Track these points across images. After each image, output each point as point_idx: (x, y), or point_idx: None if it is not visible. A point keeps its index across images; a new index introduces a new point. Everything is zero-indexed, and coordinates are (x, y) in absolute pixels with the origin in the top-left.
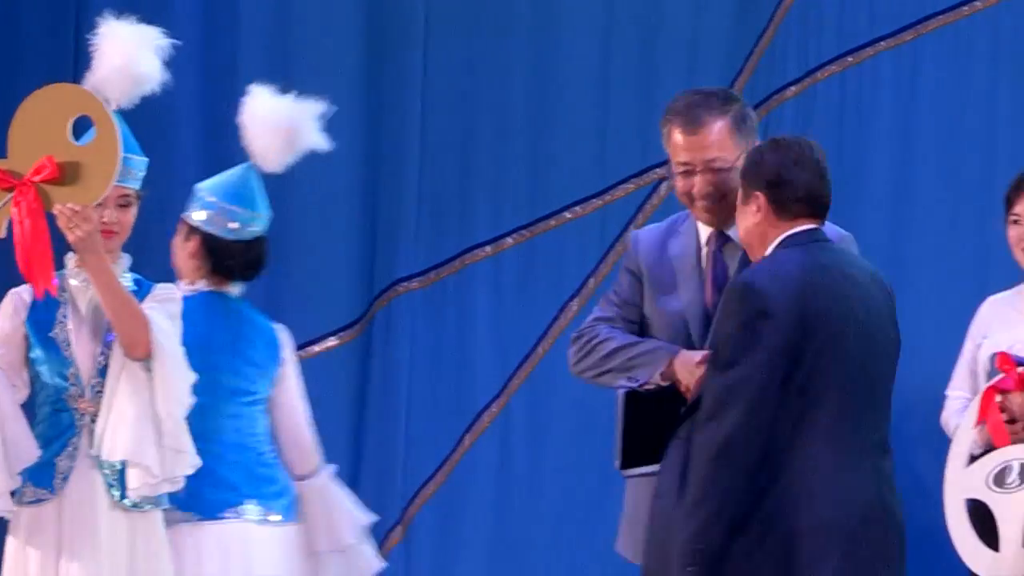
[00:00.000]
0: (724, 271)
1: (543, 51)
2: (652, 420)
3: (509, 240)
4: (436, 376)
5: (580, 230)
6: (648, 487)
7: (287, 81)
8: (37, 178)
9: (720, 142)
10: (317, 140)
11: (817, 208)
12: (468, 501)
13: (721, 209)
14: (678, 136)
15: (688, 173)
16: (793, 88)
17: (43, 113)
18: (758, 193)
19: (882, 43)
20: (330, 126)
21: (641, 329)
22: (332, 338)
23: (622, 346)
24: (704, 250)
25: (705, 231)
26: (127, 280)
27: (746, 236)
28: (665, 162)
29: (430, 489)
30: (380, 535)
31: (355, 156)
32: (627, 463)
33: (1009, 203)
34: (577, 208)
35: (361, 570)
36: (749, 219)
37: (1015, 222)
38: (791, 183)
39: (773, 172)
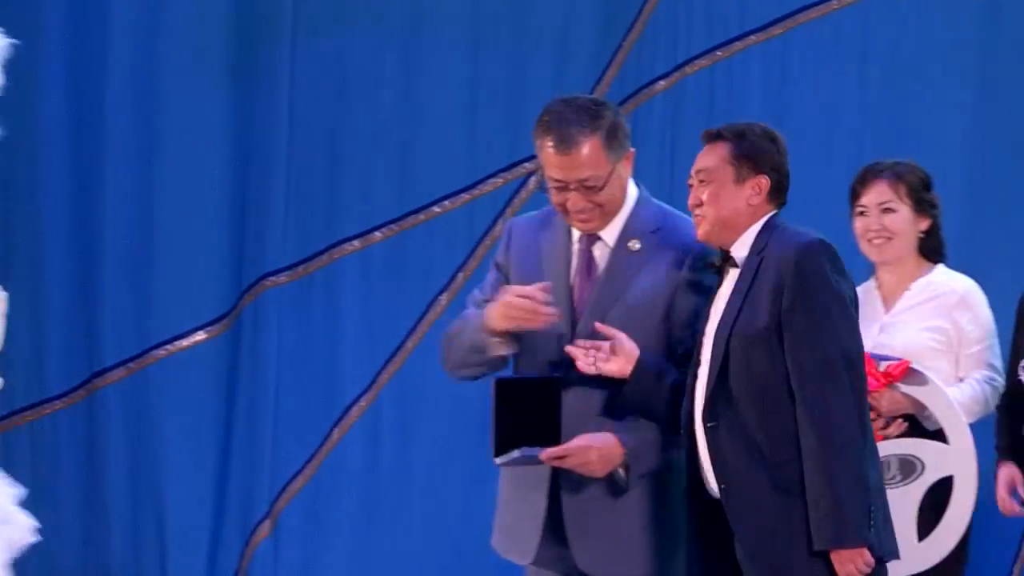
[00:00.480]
0: (593, 269)
1: (412, 44)
2: (524, 408)
3: (378, 234)
4: (304, 370)
5: (449, 224)
6: (523, 481)
7: (155, 74)
8: None
9: (592, 161)
10: None
11: (784, 192)
12: (337, 495)
13: (595, 218)
14: (550, 153)
15: (561, 189)
16: (662, 82)
17: None
18: (762, 177)
19: (751, 37)
20: (198, 119)
21: None
22: (200, 332)
23: (459, 330)
24: (575, 247)
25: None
26: None
27: (732, 215)
28: (534, 156)
29: (298, 483)
30: (248, 530)
31: (223, 149)
32: (499, 451)
33: (855, 195)
34: (446, 202)
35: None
36: (741, 200)
37: (861, 214)
38: (786, 171)
39: (777, 160)
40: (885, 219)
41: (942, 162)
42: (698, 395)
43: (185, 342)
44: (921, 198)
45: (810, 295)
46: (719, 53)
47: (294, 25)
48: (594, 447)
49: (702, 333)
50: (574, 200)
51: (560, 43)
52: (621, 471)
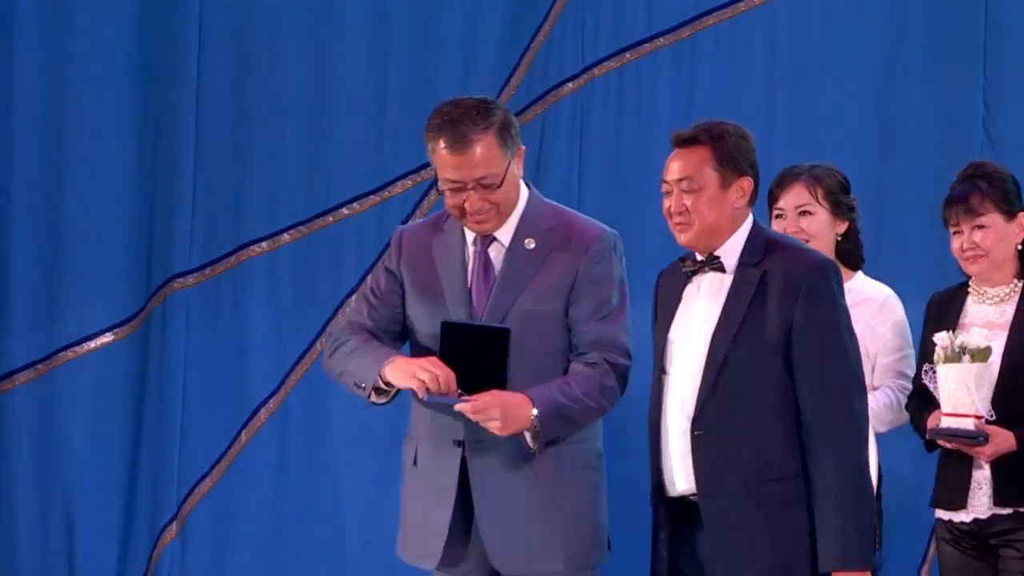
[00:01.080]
0: (490, 267)
1: (320, 45)
2: (471, 355)
3: (286, 236)
4: (213, 372)
5: (358, 226)
6: (427, 491)
7: (62, 77)
8: None
9: (488, 159)
10: None
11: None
12: (245, 497)
13: (492, 219)
14: (444, 154)
15: (458, 190)
16: (571, 84)
17: None
18: (746, 178)
19: (660, 39)
20: (105, 120)
21: (403, 329)
22: (108, 334)
23: (356, 350)
24: (470, 250)
25: (471, 232)
26: None
27: (720, 221)
28: None
29: (206, 485)
30: (156, 531)
31: (130, 151)
32: (430, 392)
33: (772, 197)
34: (355, 204)
35: None
36: (728, 205)
37: (779, 216)
38: (758, 169)
39: (753, 157)
40: (802, 222)
41: (850, 164)
42: (672, 401)
43: (93, 344)
44: (839, 201)
45: (826, 316)
46: (628, 55)
47: (201, 27)
48: (501, 405)
49: (665, 333)
50: (472, 201)
51: (467, 45)
52: (527, 435)
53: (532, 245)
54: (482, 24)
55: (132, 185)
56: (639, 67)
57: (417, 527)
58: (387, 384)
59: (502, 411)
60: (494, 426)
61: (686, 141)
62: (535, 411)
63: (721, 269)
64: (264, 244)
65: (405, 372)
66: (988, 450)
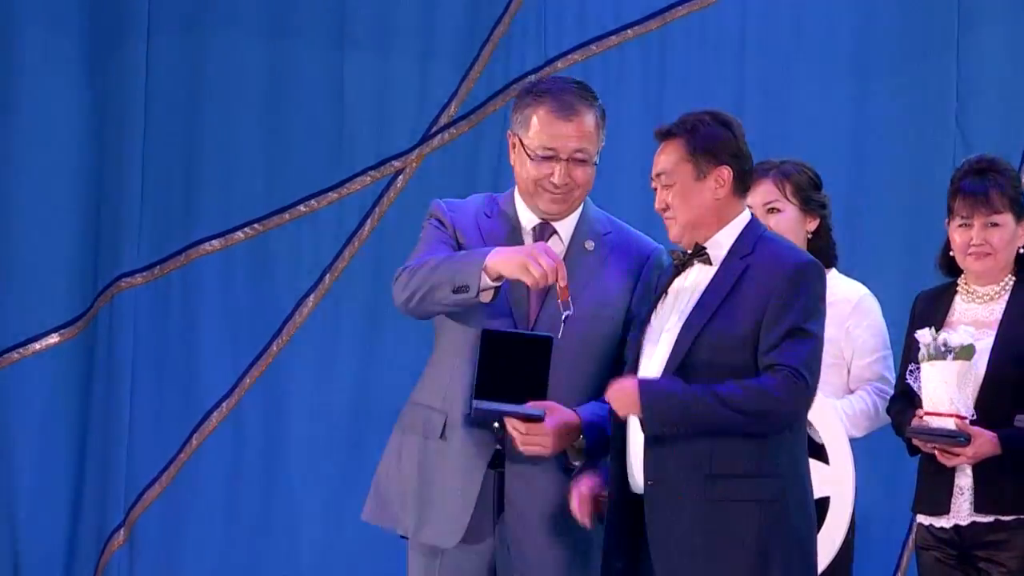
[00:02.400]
0: None
1: (275, 38)
2: (511, 363)
3: (240, 234)
4: (162, 374)
5: (315, 224)
6: (455, 466)
7: (9, 73)
8: None
9: (589, 134)
10: None
11: (747, 180)
12: (195, 504)
13: (570, 200)
14: (548, 119)
15: (550, 159)
16: (532, 77)
17: None
18: (724, 167)
19: (628, 31)
20: (51, 117)
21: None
22: (54, 335)
23: (443, 260)
24: (528, 239)
25: (529, 220)
26: None
27: (702, 213)
28: (402, 153)
29: (155, 491)
30: (103, 538)
31: (77, 148)
32: (480, 394)
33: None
34: (312, 201)
35: None
36: (707, 195)
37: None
38: (747, 155)
39: (735, 145)
40: (771, 220)
41: (821, 158)
42: None
43: (38, 345)
44: (809, 197)
45: (797, 316)
46: (594, 47)
47: (150, 22)
48: (554, 433)
49: (646, 323)
50: (561, 174)
51: (426, 37)
52: (571, 453)
53: (591, 247)
54: (441, 15)
55: (79, 181)
56: (606, 60)
57: (438, 506)
58: (495, 279)
59: (554, 440)
60: (536, 451)
61: (663, 135)
62: (582, 436)
63: (708, 261)
64: (216, 242)
65: (515, 263)
66: (969, 451)
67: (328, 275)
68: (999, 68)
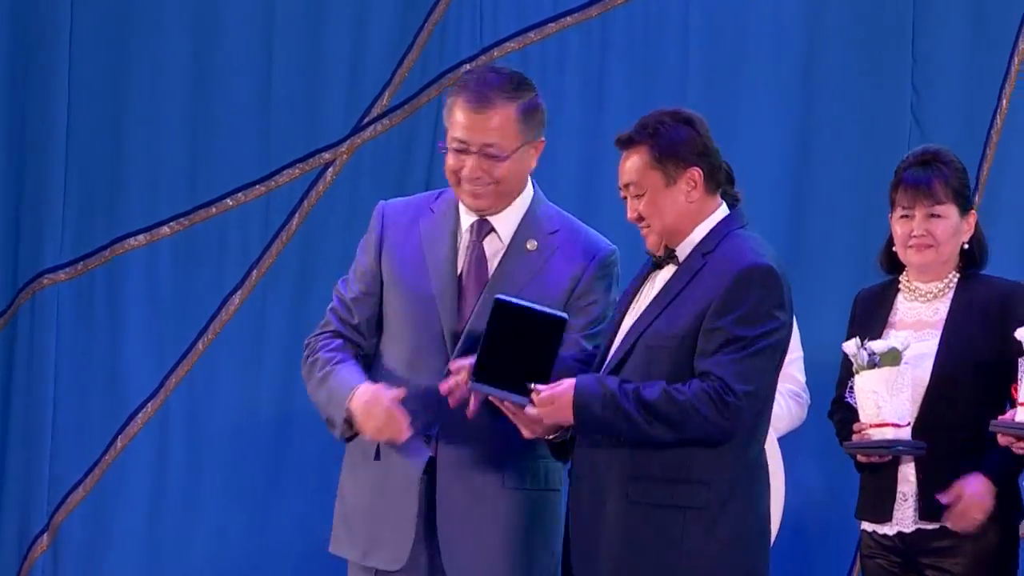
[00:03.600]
0: (484, 262)
1: (202, 26)
2: (518, 338)
3: (166, 229)
4: (85, 374)
5: (242, 218)
6: (391, 485)
7: None
8: None
9: (501, 129)
10: None
11: (726, 180)
12: (120, 507)
13: (488, 195)
14: (460, 112)
15: (461, 152)
16: (468, 66)
17: None
18: (694, 168)
19: (568, 18)
20: None
21: (380, 315)
22: None
23: (325, 378)
24: (465, 237)
25: (468, 218)
26: None
27: (677, 219)
28: (332, 145)
29: (79, 495)
30: (25, 544)
31: None
32: (478, 375)
33: None
34: (239, 195)
35: None
36: (680, 199)
37: None
38: (714, 150)
39: (702, 144)
40: None
41: (770, 152)
42: None
43: None
44: (725, 192)
45: (735, 323)
46: (532, 35)
47: (73, 9)
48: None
49: (616, 328)
50: (470, 167)
51: (357, 26)
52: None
53: (533, 246)
54: (372, 3)
55: None
56: (544, 48)
57: (370, 524)
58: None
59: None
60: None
61: (624, 143)
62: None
63: (676, 262)
64: (142, 237)
65: (369, 426)
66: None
67: (255, 271)
68: (957, 56)
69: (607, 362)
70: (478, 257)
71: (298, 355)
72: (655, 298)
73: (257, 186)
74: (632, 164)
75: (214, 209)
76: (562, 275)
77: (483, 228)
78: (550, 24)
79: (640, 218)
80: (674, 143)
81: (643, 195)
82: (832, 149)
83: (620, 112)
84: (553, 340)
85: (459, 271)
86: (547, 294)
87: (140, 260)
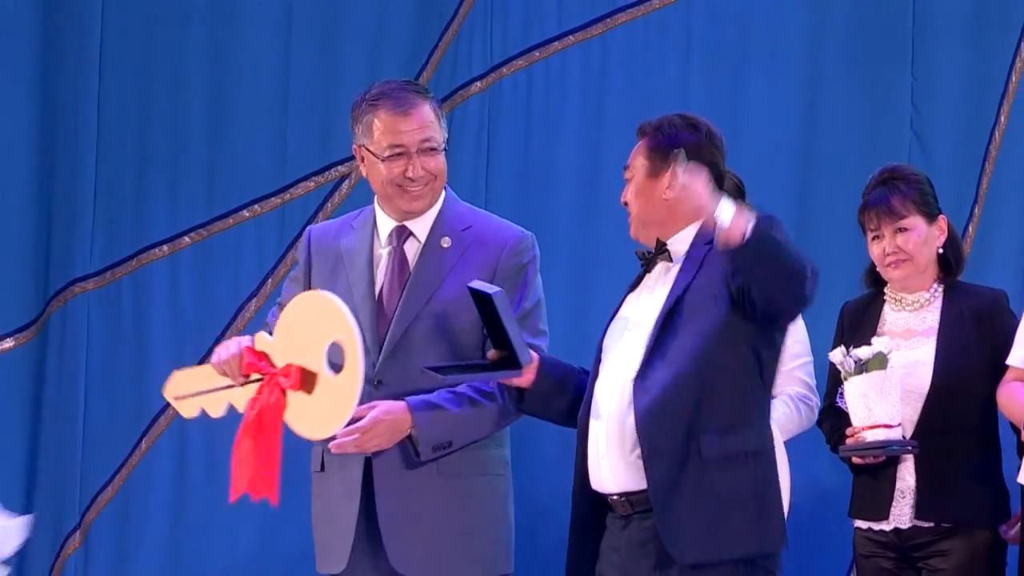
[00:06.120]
0: (406, 265)
1: (221, 44)
2: (490, 318)
3: (186, 239)
4: (113, 378)
5: (258, 229)
6: (334, 494)
7: None
8: (283, 380)
9: (431, 122)
10: None
11: (736, 192)
12: (146, 506)
13: (427, 194)
14: (388, 119)
15: (400, 156)
16: (479, 83)
17: (312, 317)
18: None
19: (571, 37)
20: (3, 121)
21: None
22: (8, 340)
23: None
24: (383, 246)
25: (387, 226)
26: None
27: (652, 211)
28: (348, 159)
29: (108, 494)
30: (58, 542)
31: (28, 152)
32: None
33: None
34: (256, 207)
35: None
36: (656, 193)
37: None
38: (713, 160)
39: (692, 147)
40: None
41: (770, 168)
42: (602, 392)
43: None
44: None
45: None
46: (537, 53)
47: (103, 24)
48: (384, 420)
49: (611, 318)
50: (416, 166)
51: (374, 44)
52: (410, 441)
53: (448, 244)
54: (388, 22)
55: (31, 187)
56: (548, 66)
57: (325, 532)
58: None
59: (386, 425)
60: (378, 443)
61: (638, 133)
62: (410, 419)
63: (669, 259)
64: (165, 247)
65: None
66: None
67: (270, 280)
68: (956, 73)
69: (643, 356)
70: (399, 261)
71: None
72: (671, 290)
73: (273, 198)
74: (634, 151)
75: (231, 220)
76: (477, 266)
77: (402, 233)
78: (554, 43)
79: (626, 203)
80: (669, 140)
81: (632, 182)
82: (833, 165)
83: (621, 127)
84: (493, 314)
85: (380, 279)
86: (463, 286)
87: (163, 269)
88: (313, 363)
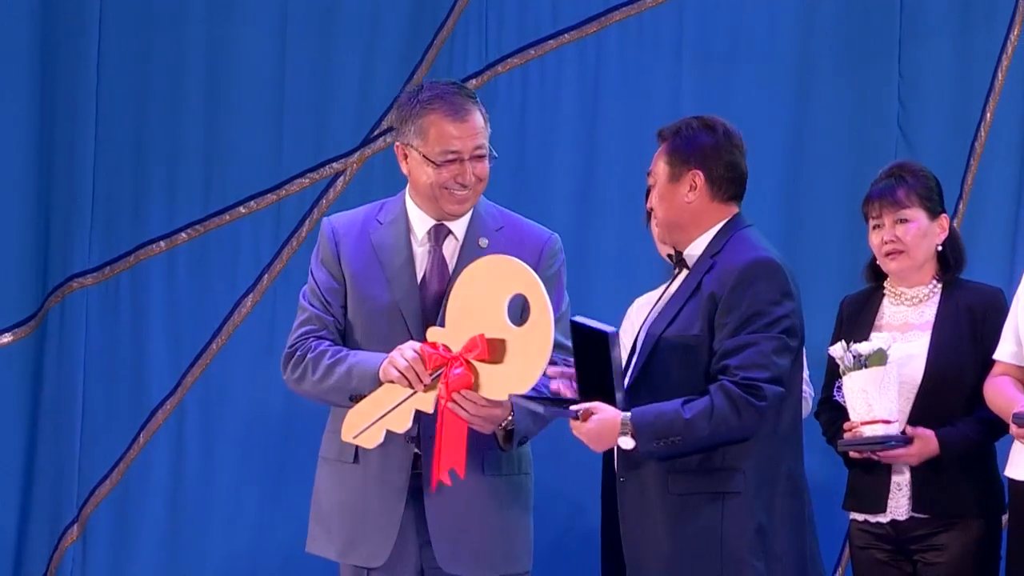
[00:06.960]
0: (445, 264)
1: (217, 42)
2: (586, 355)
3: (183, 235)
4: (111, 373)
5: (254, 225)
6: (374, 489)
7: None
8: (469, 356)
9: (483, 129)
10: None
11: (742, 189)
12: (144, 499)
13: (472, 198)
14: (444, 125)
15: (453, 162)
16: (474, 81)
17: (482, 285)
18: (696, 171)
19: (565, 35)
20: (1, 117)
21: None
22: (6, 334)
23: (335, 362)
24: (423, 244)
25: (422, 224)
26: None
27: (675, 215)
28: (342, 155)
29: (106, 488)
30: (56, 535)
31: (28, 148)
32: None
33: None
34: (252, 203)
35: None
36: (679, 198)
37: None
38: (731, 161)
39: (710, 149)
40: None
41: (761, 164)
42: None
43: None
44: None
45: (745, 319)
46: (532, 52)
47: (100, 22)
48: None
49: (638, 331)
50: (470, 172)
51: (369, 41)
52: (499, 434)
53: (485, 244)
54: (384, 20)
55: (30, 182)
56: (543, 64)
57: (351, 524)
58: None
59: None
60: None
61: (658, 137)
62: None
63: (687, 266)
64: (162, 243)
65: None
66: (913, 450)
67: (266, 276)
68: (942, 70)
69: (632, 366)
70: (439, 260)
71: None
72: (670, 301)
73: (269, 195)
74: (656, 156)
75: (227, 216)
76: None
77: (440, 232)
78: (549, 41)
79: (651, 209)
80: (685, 144)
81: (655, 186)
82: (821, 162)
83: (615, 125)
84: (603, 354)
85: (420, 276)
86: None
87: (160, 265)
88: (496, 329)
